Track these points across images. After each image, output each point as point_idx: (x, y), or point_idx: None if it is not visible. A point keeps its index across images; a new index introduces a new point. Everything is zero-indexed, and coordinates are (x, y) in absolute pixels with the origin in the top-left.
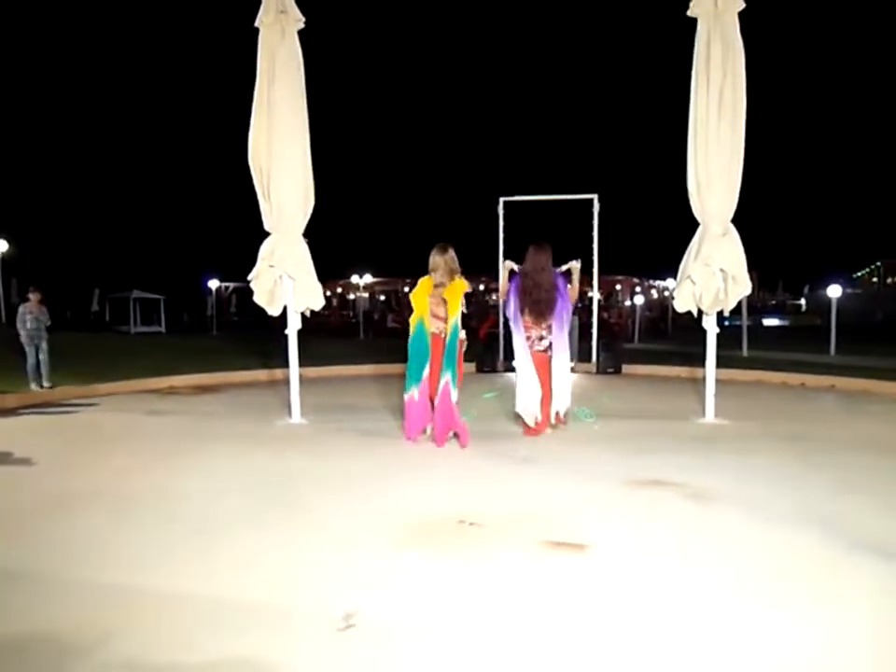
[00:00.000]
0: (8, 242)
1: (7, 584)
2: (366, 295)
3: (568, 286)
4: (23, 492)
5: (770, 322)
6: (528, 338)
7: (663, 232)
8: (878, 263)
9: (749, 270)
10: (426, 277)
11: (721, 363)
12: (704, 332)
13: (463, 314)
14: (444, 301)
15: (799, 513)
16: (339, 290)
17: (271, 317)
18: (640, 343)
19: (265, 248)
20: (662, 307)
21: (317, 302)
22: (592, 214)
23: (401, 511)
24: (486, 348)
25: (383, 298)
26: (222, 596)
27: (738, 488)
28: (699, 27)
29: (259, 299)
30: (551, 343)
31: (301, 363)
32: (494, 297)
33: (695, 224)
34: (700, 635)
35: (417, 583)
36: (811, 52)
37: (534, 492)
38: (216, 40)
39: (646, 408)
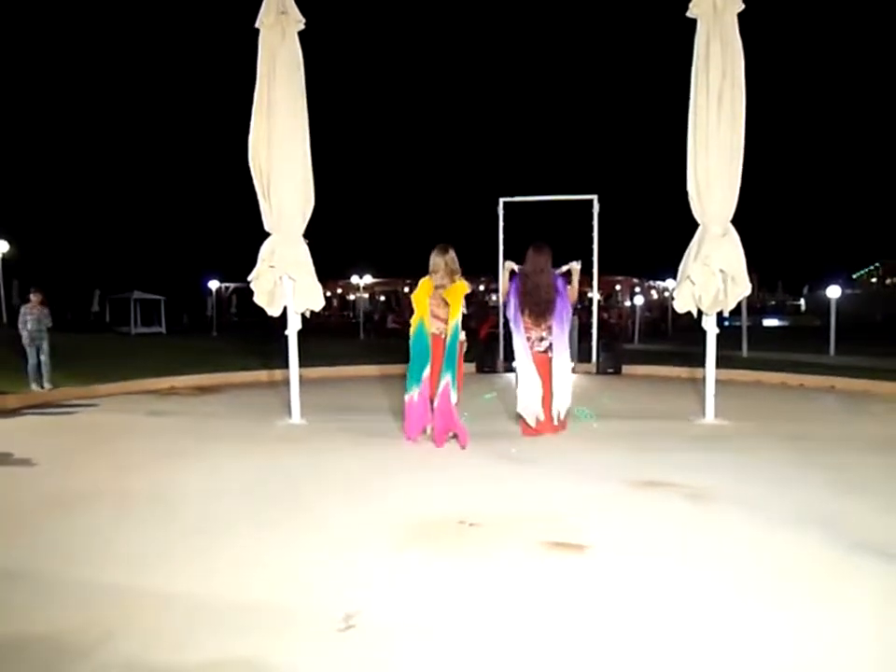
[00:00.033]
0: (9, 243)
1: (7, 584)
2: (366, 295)
3: (568, 286)
4: (24, 492)
5: (770, 322)
6: (528, 339)
7: (662, 233)
8: (877, 264)
9: (749, 271)
10: (426, 278)
11: (720, 363)
12: (703, 333)
13: (463, 314)
14: (445, 302)
15: (799, 513)
16: (339, 291)
17: (271, 318)
18: (640, 343)
19: (265, 249)
20: (662, 308)
21: (317, 303)
22: (592, 214)
23: (401, 511)
24: (486, 349)
25: (383, 298)
26: (222, 596)
27: (738, 488)
28: (698, 28)
29: (259, 299)
30: (551, 344)
31: (302, 364)
32: (494, 297)
33: (695, 224)
34: (700, 635)
35: (417, 583)
36: (811, 53)
37: (534, 492)
38: (216, 41)
39: (646, 408)
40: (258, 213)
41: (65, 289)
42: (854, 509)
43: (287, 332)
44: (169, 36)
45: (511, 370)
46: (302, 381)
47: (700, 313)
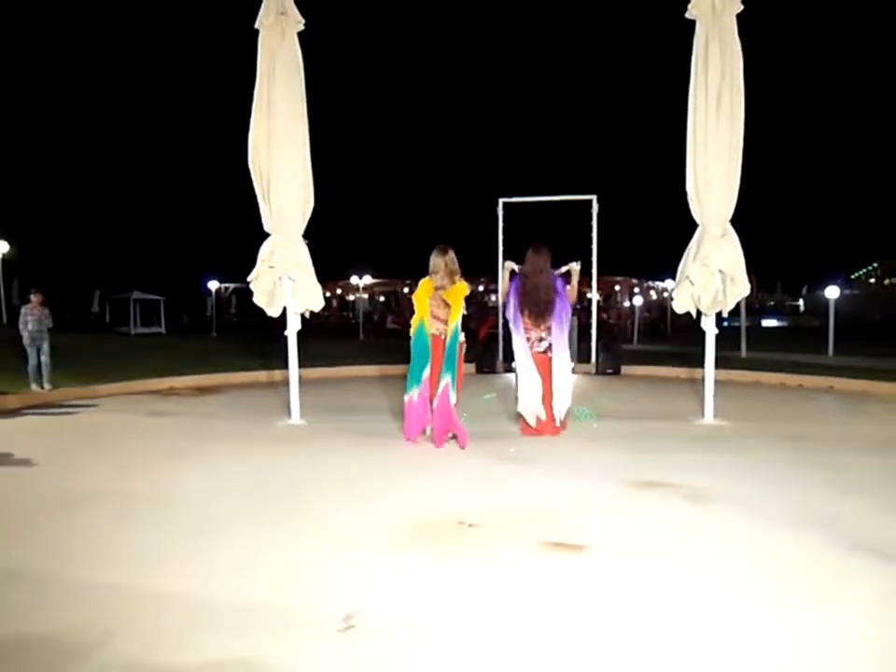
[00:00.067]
0: (9, 243)
1: (7, 584)
2: (365, 296)
3: (567, 287)
4: (24, 492)
5: (768, 323)
6: (528, 339)
7: (661, 233)
8: (875, 264)
9: (748, 271)
10: (426, 279)
11: (719, 364)
12: (702, 333)
13: (463, 315)
14: (445, 303)
15: (798, 514)
16: (338, 291)
17: (270, 318)
18: (639, 343)
19: (265, 249)
20: (661, 308)
21: (317, 304)
22: (591, 215)
23: (401, 511)
24: (486, 349)
25: (382, 299)
26: (222, 597)
27: (737, 488)
28: (697, 29)
29: (258, 300)
30: (550, 345)
31: (301, 364)
32: (493, 298)
33: (694, 225)
34: (699, 635)
35: (417, 584)
36: (809, 53)
37: (533, 492)
38: (216, 42)
39: (645, 409)
40: (257, 213)
41: (65, 290)
42: (852, 509)
43: (286, 333)
44: (169, 37)
45: (511, 370)
46: (302, 381)
47: (699, 313)
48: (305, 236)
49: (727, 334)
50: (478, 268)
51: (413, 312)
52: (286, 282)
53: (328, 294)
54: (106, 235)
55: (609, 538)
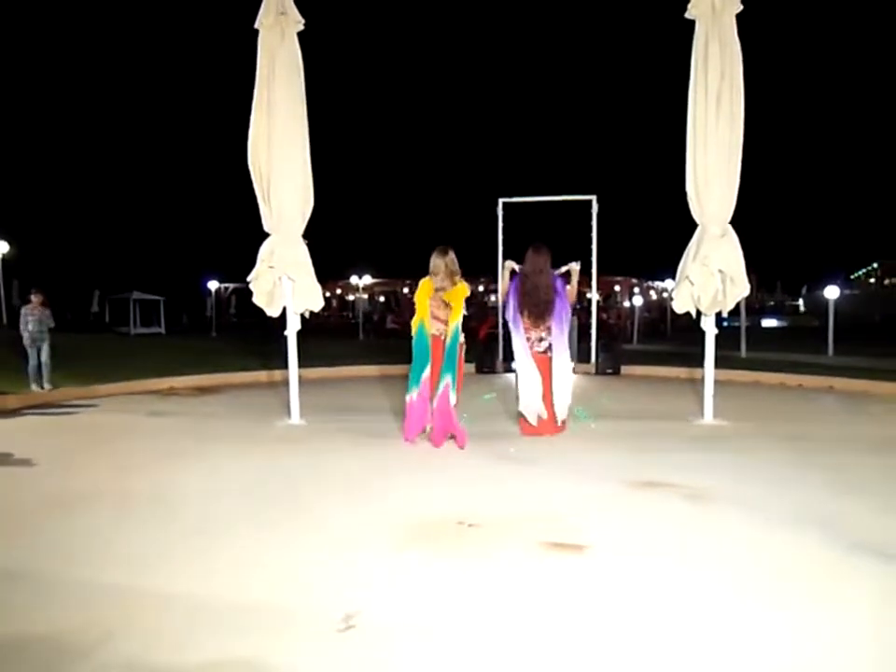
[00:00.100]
0: (9, 243)
1: (7, 584)
2: (365, 296)
3: (567, 287)
4: (24, 492)
5: (768, 323)
6: (528, 339)
7: (661, 233)
8: (875, 264)
9: (748, 271)
10: (426, 279)
11: (719, 364)
12: (702, 333)
13: (463, 315)
14: (445, 304)
15: (798, 514)
16: (338, 291)
17: (270, 318)
18: (639, 343)
19: (265, 249)
20: (661, 308)
21: (317, 304)
22: (591, 215)
23: (401, 511)
24: (486, 349)
25: (382, 299)
26: (222, 597)
27: (737, 488)
28: (697, 29)
29: (258, 300)
30: (550, 345)
31: (301, 364)
32: (493, 298)
33: (694, 225)
34: (699, 635)
35: (417, 584)
36: (809, 53)
37: (533, 492)
38: (216, 42)
39: (645, 409)
40: (257, 213)
41: (65, 290)
42: (852, 509)
43: (286, 333)
44: (169, 37)
45: (511, 370)
46: (302, 381)
47: (699, 313)
48: (305, 236)
49: (727, 334)
50: (478, 268)
51: (413, 312)
52: (285, 282)
53: (327, 294)
54: (106, 235)
55: (609, 538)
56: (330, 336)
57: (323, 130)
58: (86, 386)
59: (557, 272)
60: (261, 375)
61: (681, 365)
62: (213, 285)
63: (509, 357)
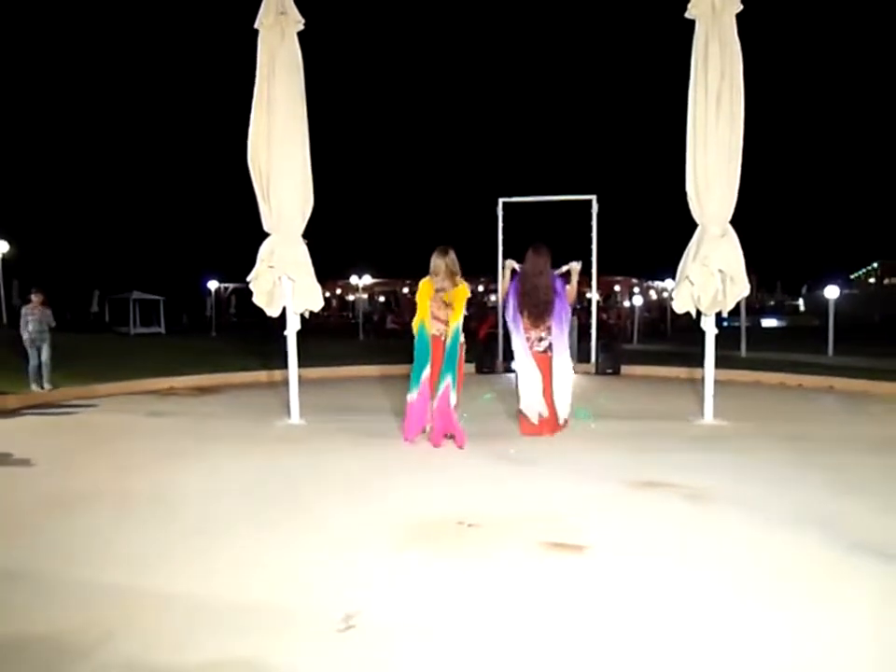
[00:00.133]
0: (9, 243)
1: (7, 584)
2: (365, 296)
3: (567, 286)
4: (24, 492)
5: (768, 323)
6: (528, 339)
7: (661, 233)
8: (875, 264)
9: (748, 271)
10: (426, 279)
11: (719, 364)
12: (702, 333)
13: (463, 316)
14: (445, 304)
15: (798, 514)
16: (338, 291)
17: (270, 318)
18: (639, 343)
19: (264, 249)
20: (661, 308)
21: (316, 304)
22: (591, 215)
23: (401, 511)
24: (486, 349)
25: (382, 299)
26: (222, 597)
27: (737, 488)
28: (697, 28)
29: (258, 300)
30: (550, 344)
31: (301, 364)
32: (493, 298)
33: (694, 224)
34: (699, 635)
35: (417, 584)
36: (809, 53)
37: (533, 492)
38: (216, 41)
39: (645, 409)
40: (257, 213)
41: (65, 289)
42: (852, 509)
43: (286, 333)
44: (169, 37)
45: (511, 370)
46: (302, 381)
47: (699, 313)
48: (305, 236)
49: (727, 334)
50: (478, 268)
51: (413, 312)
52: (285, 282)
53: (327, 294)
54: (106, 235)
55: (609, 538)
56: (330, 336)
57: (323, 129)
58: (86, 386)
59: (557, 271)
60: (261, 375)
61: (681, 365)
62: (213, 284)
63: (509, 356)
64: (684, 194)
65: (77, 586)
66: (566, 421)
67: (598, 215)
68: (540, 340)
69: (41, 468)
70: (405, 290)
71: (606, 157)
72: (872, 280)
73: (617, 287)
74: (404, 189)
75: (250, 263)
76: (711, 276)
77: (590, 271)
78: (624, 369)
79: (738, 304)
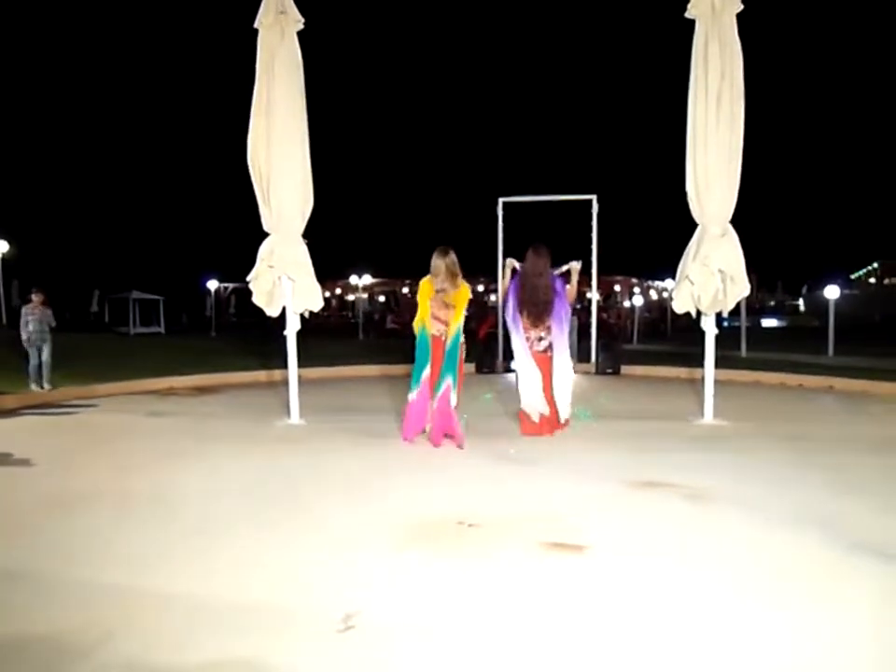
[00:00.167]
0: (9, 243)
1: (7, 584)
2: (365, 296)
3: (567, 286)
4: (23, 492)
5: (768, 323)
6: (528, 338)
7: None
8: (876, 264)
9: (748, 271)
10: (426, 278)
11: (719, 364)
12: (702, 333)
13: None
14: (446, 305)
15: (798, 514)
16: (338, 291)
17: (270, 318)
18: (639, 343)
19: (264, 249)
20: (661, 308)
21: (316, 303)
22: (591, 214)
23: (401, 511)
24: (486, 349)
25: (382, 298)
26: (222, 597)
27: (737, 488)
28: (697, 28)
29: (257, 300)
30: (550, 344)
31: (301, 364)
32: (493, 298)
33: (694, 224)
34: (699, 635)
35: (417, 584)
36: (810, 53)
37: (533, 492)
38: (215, 41)
39: (645, 409)
40: (257, 213)
41: (64, 289)
42: (852, 509)
43: (285, 333)
44: (168, 36)
45: (511, 370)
46: (301, 381)
47: (699, 313)
48: (305, 236)
49: (727, 334)
50: (478, 268)
51: (413, 312)
52: (285, 281)
53: (327, 294)
54: (106, 235)
55: (609, 538)
56: (330, 336)
57: (323, 129)
58: (85, 386)
59: (557, 271)
60: (261, 375)
61: (681, 365)
62: (212, 284)
63: (509, 356)
64: (684, 194)
65: (77, 586)
66: (566, 421)
67: (598, 214)
68: (540, 339)
69: (41, 468)
70: (405, 290)
71: (606, 157)
72: (872, 280)
73: (617, 287)
74: (404, 188)
75: (250, 263)
76: (711, 276)
77: (590, 270)
78: (624, 369)
79: (738, 304)
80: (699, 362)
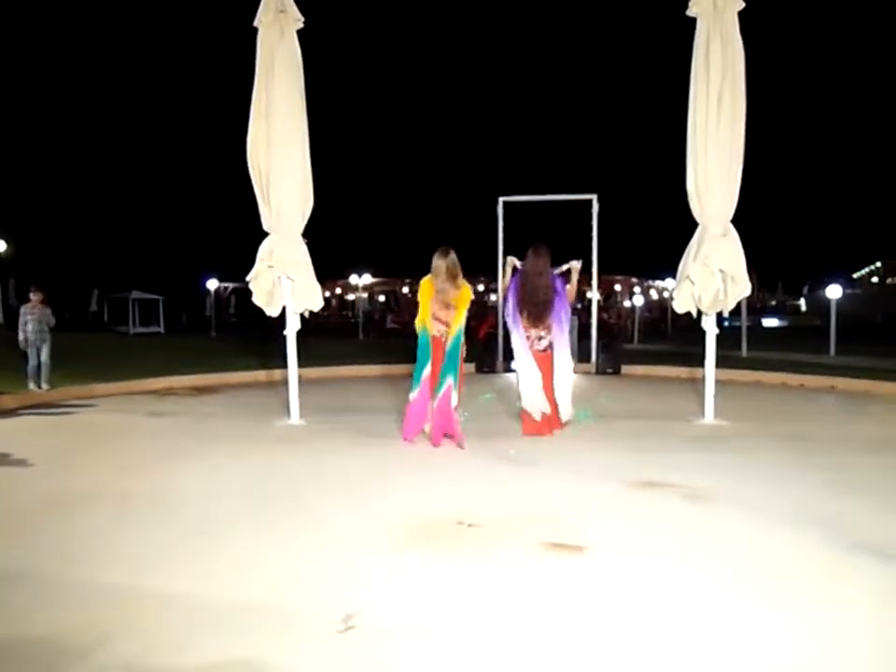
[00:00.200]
0: (7, 242)
1: (6, 585)
2: (365, 295)
3: (567, 285)
4: (23, 492)
5: (769, 323)
6: (528, 337)
7: (662, 233)
8: (878, 264)
9: (749, 271)
10: (427, 277)
11: (720, 364)
12: (703, 333)
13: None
14: (447, 306)
15: (798, 514)
16: (338, 291)
17: (270, 318)
18: (639, 343)
19: (264, 248)
20: (661, 308)
21: (316, 303)
22: (591, 214)
23: (401, 511)
24: (486, 349)
25: (382, 298)
26: (222, 597)
27: (737, 489)
28: (698, 26)
29: (257, 299)
30: (551, 343)
31: (300, 364)
32: (493, 297)
33: (695, 224)
34: (699, 635)
35: (417, 584)
36: (811, 52)
37: (533, 492)
38: (214, 40)
39: (645, 408)
40: (256, 212)
41: (64, 289)
42: (852, 509)
43: (285, 332)
44: (167, 35)
45: (511, 370)
46: (301, 381)
47: (700, 313)
48: (305, 235)
49: (728, 334)
50: (478, 267)
51: (413, 311)
52: (285, 281)
53: (327, 293)
54: (105, 234)
55: (609, 538)
56: (330, 336)
57: (323, 128)
58: (84, 386)
59: (558, 270)
60: (261, 375)
61: (682, 365)
62: (212, 284)
63: (509, 356)
64: (685, 193)
65: (76, 586)
66: (567, 421)
67: (599, 214)
68: (540, 339)
69: (40, 468)
70: (405, 290)
71: (606, 156)
72: (874, 279)
73: (617, 287)
74: (404, 188)
75: (250, 263)
76: (712, 276)
77: (590, 270)
78: (625, 368)
79: (739, 304)
80: (700, 362)
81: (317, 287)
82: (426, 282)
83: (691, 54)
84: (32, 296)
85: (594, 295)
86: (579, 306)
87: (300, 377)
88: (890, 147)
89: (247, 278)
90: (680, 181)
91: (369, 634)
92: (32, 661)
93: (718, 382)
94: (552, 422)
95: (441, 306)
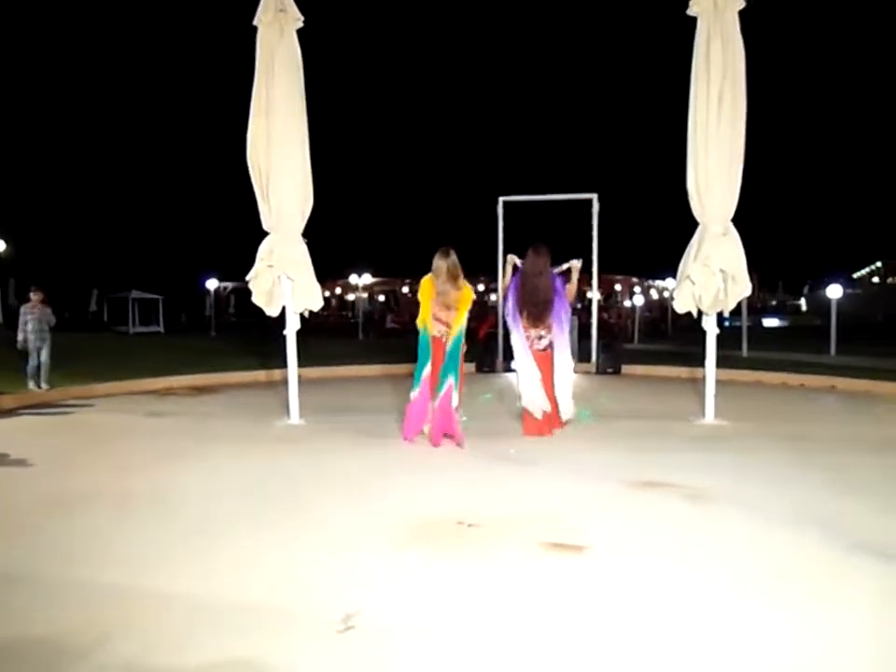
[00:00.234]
0: (7, 242)
1: (6, 585)
2: (365, 295)
3: (567, 285)
4: (23, 492)
5: (770, 322)
6: (528, 337)
7: (662, 232)
8: (879, 263)
9: (749, 270)
10: (428, 276)
11: (720, 364)
12: (703, 333)
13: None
14: (448, 307)
15: (798, 514)
16: (338, 290)
17: (269, 318)
18: (640, 343)
19: (264, 248)
20: (661, 307)
21: (316, 303)
22: (591, 213)
23: (401, 511)
24: (486, 349)
25: (382, 298)
26: (222, 597)
27: (738, 489)
28: (699, 26)
29: (257, 299)
30: (551, 343)
31: (300, 364)
32: (493, 297)
33: (695, 223)
34: (699, 635)
35: (417, 584)
36: (812, 51)
37: (533, 492)
38: (214, 39)
39: (645, 408)
40: (256, 212)
41: (63, 288)
42: (852, 509)
43: (285, 332)
44: (167, 35)
45: (511, 370)
46: (301, 381)
47: (700, 313)
48: (304, 235)
49: (728, 334)
50: (478, 267)
51: (413, 311)
52: (284, 281)
53: (327, 293)
54: (105, 234)
55: (609, 538)
56: (330, 336)
57: (323, 128)
58: (84, 386)
59: (558, 269)
60: (260, 375)
61: (682, 365)
62: (212, 284)
63: (509, 356)
64: (685, 193)
65: (76, 586)
66: (568, 420)
67: (599, 213)
68: (540, 338)
69: (40, 468)
70: (405, 290)
71: (607, 155)
72: (875, 279)
73: (618, 287)
74: (404, 188)
75: (249, 262)
76: (712, 276)
77: (590, 270)
78: (625, 368)
79: (740, 304)
80: (700, 362)
81: (317, 286)
82: (426, 281)
83: (691, 54)
84: (32, 296)
85: (594, 295)
86: (579, 306)
87: (299, 377)
88: (890, 147)
89: (247, 278)
90: (681, 180)
91: (369, 634)
92: (32, 661)
93: (718, 382)
94: (552, 421)
95: (442, 307)
